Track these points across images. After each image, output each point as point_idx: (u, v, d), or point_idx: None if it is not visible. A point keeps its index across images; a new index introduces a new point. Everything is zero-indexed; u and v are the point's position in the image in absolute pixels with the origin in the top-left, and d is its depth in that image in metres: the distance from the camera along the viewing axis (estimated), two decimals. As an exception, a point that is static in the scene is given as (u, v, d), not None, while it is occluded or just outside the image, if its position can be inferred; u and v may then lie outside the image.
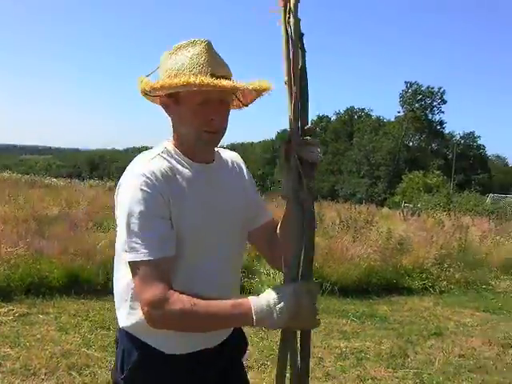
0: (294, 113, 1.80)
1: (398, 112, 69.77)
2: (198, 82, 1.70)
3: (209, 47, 1.84)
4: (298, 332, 1.80)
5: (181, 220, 1.80)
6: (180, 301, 1.69)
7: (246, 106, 2.03)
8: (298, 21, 1.79)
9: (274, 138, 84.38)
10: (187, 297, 1.70)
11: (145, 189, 1.75)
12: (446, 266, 9.72)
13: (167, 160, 1.87)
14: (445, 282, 9.37)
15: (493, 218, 17.30)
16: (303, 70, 1.80)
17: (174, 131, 1.94)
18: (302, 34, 1.79)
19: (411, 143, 70.02)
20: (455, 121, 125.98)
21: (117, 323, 2.00)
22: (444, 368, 5.50)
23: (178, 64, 1.82)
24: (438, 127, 68.56)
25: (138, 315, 1.81)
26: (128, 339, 1.93)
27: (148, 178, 1.76)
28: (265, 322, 1.68)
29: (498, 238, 12.32)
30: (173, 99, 1.84)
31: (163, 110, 1.93)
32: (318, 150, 1.82)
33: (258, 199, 2.20)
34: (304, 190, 1.77)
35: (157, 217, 1.75)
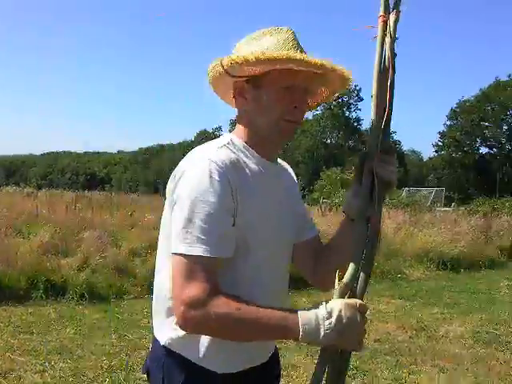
0: (378, 129, 1.71)
1: (316, 110, 70.83)
2: (299, 57, 1.56)
3: (295, 35, 1.71)
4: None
5: (244, 219, 1.61)
6: (226, 304, 1.49)
7: (311, 108, 1.92)
8: (394, 40, 1.74)
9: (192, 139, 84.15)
10: (233, 300, 1.51)
11: (214, 176, 1.55)
12: (361, 257, 10.11)
13: (234, 152, 1.67)
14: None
15: (408, 211, 17.96)
16: (392, 87, 1.71)
17: (243, 122, 1.75)
18: (395, 54, 1.72)
19: (329, 141, 71.08)
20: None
21: (153, 339, 1.78)
22: (360, 352, 5.79)
23: (265, 47, 1.65)
24: (356, 124, 69.94)
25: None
26: (172, 359, 1.69)
27: (218, 164, 1.57)
28: (311, 337, 1.49)
29: (411, 229, 12.85)
30: (251, 83, 1.66)
31: (233, 101, 1.77)
32: (396, 169, 1.71)
33: (305, 211, 2.02)
34: (374, 207, 1.67)
35: (223, 210, 1.55)
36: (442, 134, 61.67)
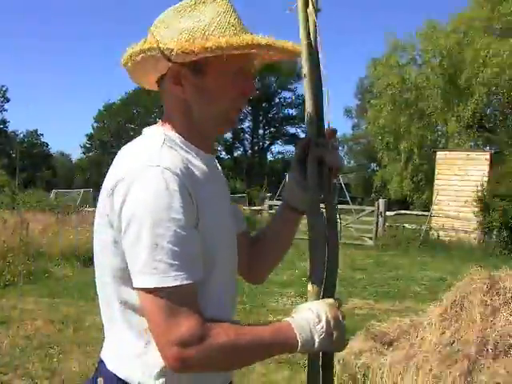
0: (316, 114, 1.58)
1: None
2: (265, 42, 1.39)
3: (232, 5, 1.47)
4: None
5: (205, 228, 1.39)
6: (223, 333, 1.31)
7: None
8: (317, 11, 1.59)
9: None
10: (227, 326, 1.34)
11: (172, 187, 1.30)
12: (9, 260, 10.10)
13: (177, 151, 1.43)
14: (9, 276, 9.74)
15: (55, 212, 18.05)
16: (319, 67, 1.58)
17: (177, 112, 1.49)
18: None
19: None
20: (19, 119, 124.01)
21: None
22: (11, 351, 5.98)
23: (202, 24, 1.41)
24: (1, 126, 66.87)
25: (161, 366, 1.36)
26: None
27: (172, 171, 1.33)
28: (308, 345, 1.37)
29: (58, 229, 13.08)
30: (191, 68, 1.41)
31: (154, 85, 1.54)
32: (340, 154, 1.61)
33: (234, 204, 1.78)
34: (327, 196, 1.57)
35: (189, 226, 1.33)
36: (90, 136, 62.36)
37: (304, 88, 1.58)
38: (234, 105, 1.49)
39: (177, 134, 1.47)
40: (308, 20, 1.58)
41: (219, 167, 1.67)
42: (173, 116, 1.50)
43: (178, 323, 1.28)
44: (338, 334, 1.40)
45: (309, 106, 1.57)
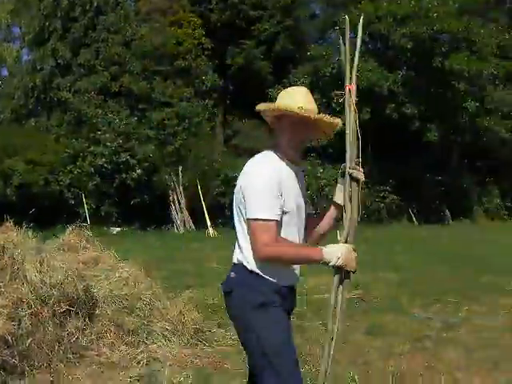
0: (352, 152, 2.86)
1: None
2: (296, 110, 2.69)
3: (306, 91, 2.89)
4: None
5: (285, 201, 2.70)
6: (283, 244, 2.69)
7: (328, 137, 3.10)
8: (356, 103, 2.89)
9: None
10: (284, 242, 2.70)
11: (265, 172, 2.68)
12: None
13: (274, 160, 2.77)
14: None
15: None
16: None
17: (279, 141, 2.85)
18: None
19: None
20: None
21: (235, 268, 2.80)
22: None
23: (287, 102, 2.76)
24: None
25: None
26: (256, 277, 2.72)
27: (271, 170, 2.69)
28: (330, 258, 2.63)
29: None
30: (277, 117, 2.83)
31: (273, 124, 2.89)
32: (362, 171, 2.81)
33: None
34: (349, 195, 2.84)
35: (272, 193, 2.65)
36: None
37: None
38: (295, 139, 2.80)
39: (275, 153, 2.81)
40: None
41: (302, 171, 3.00)
42: (278, 143, 2.85)
43: (264, 237, 2.62)
44: (349, 260, 2.67)
45: (348, 150, 2.89)
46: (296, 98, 2.78)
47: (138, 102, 20.11)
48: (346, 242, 2.77)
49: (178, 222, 17.65)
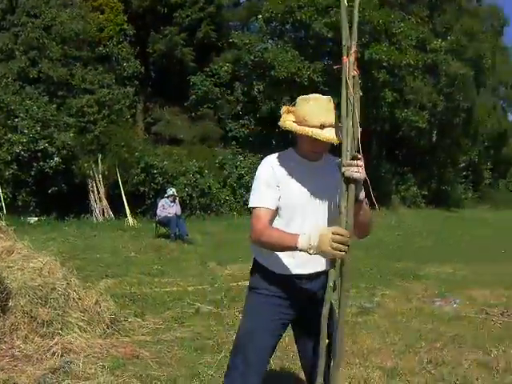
0: (347, 144, 2.61)
1: None
2: (310, 134, 2.72)
3: (328, 102, 2.81)
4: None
5: (283, 193, 2.85)
6: (269, 232, 2.77)
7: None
8: (356, 77, 2.66)
9: None
10: (272, 230, 2.78)
11: (263, 168, 2.91)
12: None
13: (282, 156, 2.96)
14: None
15: None
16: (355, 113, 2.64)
17: (297, 143, 2.94)
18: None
19: None
20: None
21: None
22: None
23: (306, 111, 2.77)
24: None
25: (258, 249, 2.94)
26: (256, 264, 3.04)
27: (267, 162, 2.93)
28: (302, 245, 2.61)
29: None
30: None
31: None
32: (358, 169, 2.58)
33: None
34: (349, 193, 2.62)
35: (265, 184, 2.86)
36: None
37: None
38: (307, 148, 2.86)
39: (293, 150, 2.98)
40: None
41: (332, 170, 2.81)
42: (296, 144, 2.96)
43: (256, 223, 2.81)
44: (323, 246, 2.53)
45: (344, 142, 2.63)
46: (313, 116, 2.76)
47: (57, 88, 19.48)
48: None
49: (97, 211, 17.31)
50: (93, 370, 4.42)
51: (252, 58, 23.16)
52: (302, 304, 2.98)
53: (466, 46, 27.80)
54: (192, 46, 23.89)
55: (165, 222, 13.27)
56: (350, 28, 2.67)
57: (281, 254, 2.87)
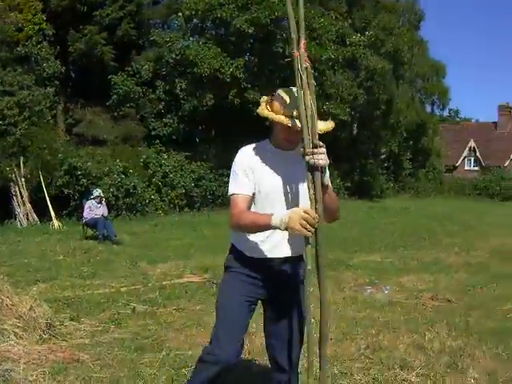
0: (307, 132, 2.74)
1: None
2: (285, 122, 2.92)
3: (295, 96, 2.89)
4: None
5: (257, 181, 3.07)
6: (245, 215, 2.98)
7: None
8: (308, 68, 2.82)
9: None
10: (248, 213, 3.01)
11: (238, 156, 3.15)
12: None
13: (258, 146, 3.17)
14: None
15: None
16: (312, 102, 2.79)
17: (272, 134, 3.16)
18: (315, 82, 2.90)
19: None
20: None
21: None
22: None
23: (285, 101, 2.95)
24: None
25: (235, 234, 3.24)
26: (233, 247, 3.29)
27: (242, 151, 3.17)
28: (276, 222, 2.78)
29: None
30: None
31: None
32: (320, 157, 2.74)
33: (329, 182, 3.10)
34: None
35: (241, 172, 3.08)
36: None
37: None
38: (283, 136, 3.05)
39: (269, 141, 3.19)
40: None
41: (294, 156, 3.02)
42: (272, 135, 3.18)
43: (233, 209, 3.02)
44: (292, 224, 2.69)
45: (304, 131, 2.76)
46: (288, 107, 2.94)
47: (-25, 90, 18.77)
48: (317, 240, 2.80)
49: (21, 216, 16.83)
50: (34, 377, 4.36)
51: (173, 55, 22.94)
52: (273, 286, 3.20)
53: (384, 40, 28.52)
54: (112, 45, 23.44)
55: (92, 224, 13.07)
56: (297, 23, 2.88)
57: (255, 240, 3.10)
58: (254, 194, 3.10)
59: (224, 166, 23.18)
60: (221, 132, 24.95)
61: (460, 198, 37.40)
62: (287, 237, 3.07)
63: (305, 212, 2.69)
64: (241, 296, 3.18)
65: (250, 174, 3.08)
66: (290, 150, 3.11)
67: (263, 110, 3.04)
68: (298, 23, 2.91)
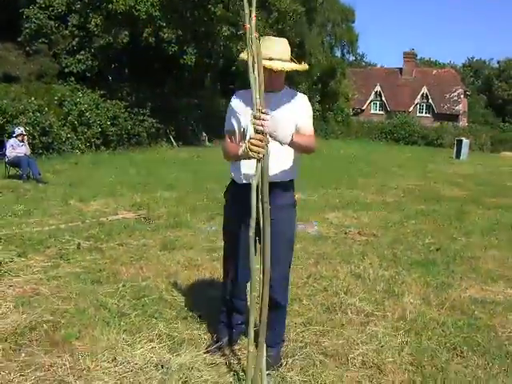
0: (255, 98, 3.08)
1: None
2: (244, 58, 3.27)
3: (278, 42, 3.45)
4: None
5: (242, 120, 3.50)
6: (226, 146, 3.60)
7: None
8: (256, 38, 3.10)
9: None
10: (230, 144, 3.58)
11: (231, 100, 3.65)
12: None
13: (247, 90, 3.29)
14: None
15: None
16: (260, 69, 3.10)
17: None
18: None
19: None
20: None
21: None
22: None
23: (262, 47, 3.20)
24: None
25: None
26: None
27: (234, 94, 3.66)
28: (241, 151, 3.24)
29: None
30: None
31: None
32: (264, 122, 3.08)
33: (304, 123, 3.55)
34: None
35: (229, 112, 3.62)
36: None
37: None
38: (266, 76, 3.20)
39: None
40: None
41: (290, 100, 3.55)
42: None
43: (223, 142, 3.71)
44: (252, 148, 3.12)
45: (254, 95, 3.10)
46: (265, 50, 3.25)
47: None
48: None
49: None
50: (2, 310, 4.46)
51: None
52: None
53: (297, -18, 28.51)
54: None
55: (15, 163, 12.76)
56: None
57: (241, 167, 3.57)
58: (243, 129, 3.55)
59: (138, 105, 22.93)
60: (135, 71, 24.51)
61: (367, 141, 38.72)
62: (271, 164, 3.31)
63: (252, 137, 3.13)
64: (236, 222, 3.65)
65: (236, 114, 3.58)
66: (274, 92, 3.48)
67: (245, 54, 3.30)
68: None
